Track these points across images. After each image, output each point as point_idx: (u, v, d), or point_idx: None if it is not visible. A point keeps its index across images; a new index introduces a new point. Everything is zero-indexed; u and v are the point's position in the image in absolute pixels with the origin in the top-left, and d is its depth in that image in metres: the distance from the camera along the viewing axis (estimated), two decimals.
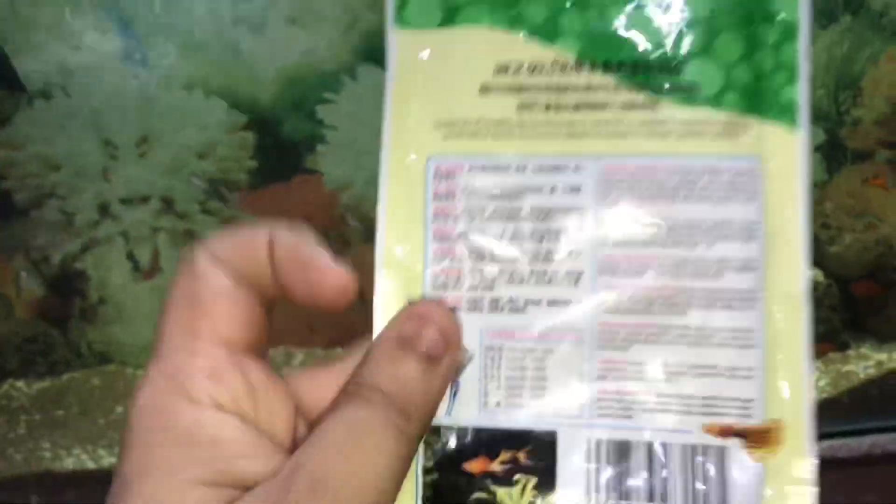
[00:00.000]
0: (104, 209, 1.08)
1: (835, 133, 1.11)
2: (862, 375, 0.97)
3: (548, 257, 0.30)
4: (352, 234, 1.13)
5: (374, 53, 1.06)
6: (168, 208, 1.08)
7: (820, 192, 1.12)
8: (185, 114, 1.06)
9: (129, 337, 1.10)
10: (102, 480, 0.96)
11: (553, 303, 0.30)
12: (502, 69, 0.30)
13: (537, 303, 0.30)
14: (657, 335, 0.29)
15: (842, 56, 1.09)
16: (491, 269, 0.31)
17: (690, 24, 0.29)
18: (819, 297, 1.02)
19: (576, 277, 0.30)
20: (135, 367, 1.10)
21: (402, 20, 0.31)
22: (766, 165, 0.29)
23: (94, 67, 1.02)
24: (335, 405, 0.28)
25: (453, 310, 0.30)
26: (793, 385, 0.29)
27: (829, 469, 0.97)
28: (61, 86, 1.03)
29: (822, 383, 0.98)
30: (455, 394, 0.30)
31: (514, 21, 0.30)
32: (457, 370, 0.30)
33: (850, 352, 1.03)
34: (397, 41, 0.31)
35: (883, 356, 1.01)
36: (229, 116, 1.07)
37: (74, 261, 1.08)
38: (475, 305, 0.31)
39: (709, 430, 0.29)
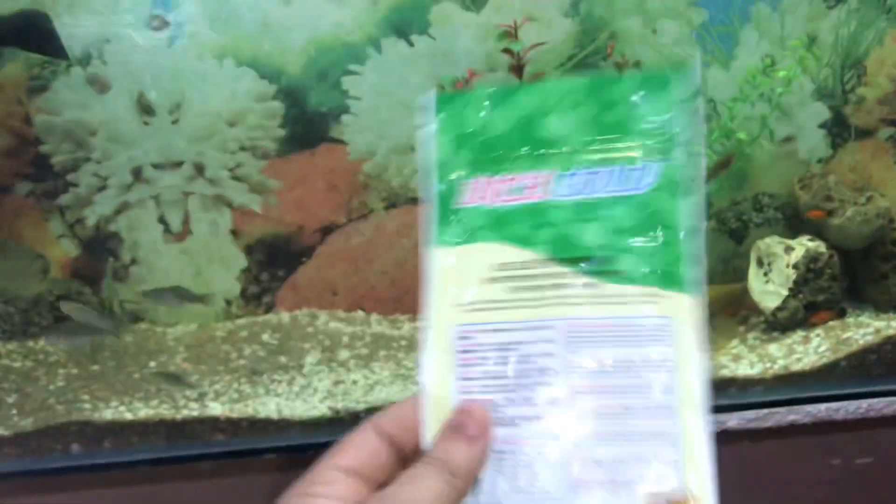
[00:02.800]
0: (137, 173, 1.12)
1: (839, 110, 1.15)
2: (861, 342, 1.01)
3: (533, 388, 0.44)
4: (373, 201, 1.18)
5: (398, 27, 1.09)
6: (199, 173, 1.13)
7: (824, 166, 1.16)
8: (216, 82, 1.10)
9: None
10: (139, 430, 1.00)
11: (538, 418, 0.43)
12: (502, 267, 0.46)
13: (528, 419, 0.44)
14: (611, 439, 0.42)
15: (848, 36, 1.13)
16: (497, 397, 0.44)
17: (619, 232, 0.44)
18: (821, 267, 1.06)
19: (553, 401, 0.43)
20: (164, 326, 1.15)
21: (440, 241, 0.47)
22: (675, 319, 0.43)
23: (130, 36, 1.06)
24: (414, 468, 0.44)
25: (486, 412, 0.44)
26: (700, 469, 0.42)
27: (828, 431, 1.01)
28: (98, 54, 1.06)
29: (822, 349, 1.03)
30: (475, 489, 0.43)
31: (508, 236, 0.46)
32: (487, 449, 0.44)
33: (850, 319, 1.08)
34: (438, 254, 0.47)
35: (881, 324, 1.05)
36: (258, 86, 1.11)
37: (108, 223, 1.13)
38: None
39: (648, 500, 0.42)
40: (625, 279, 0.44)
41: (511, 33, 0.98)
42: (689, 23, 1.12)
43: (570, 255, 0.45)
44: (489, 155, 0.47)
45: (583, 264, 0.45)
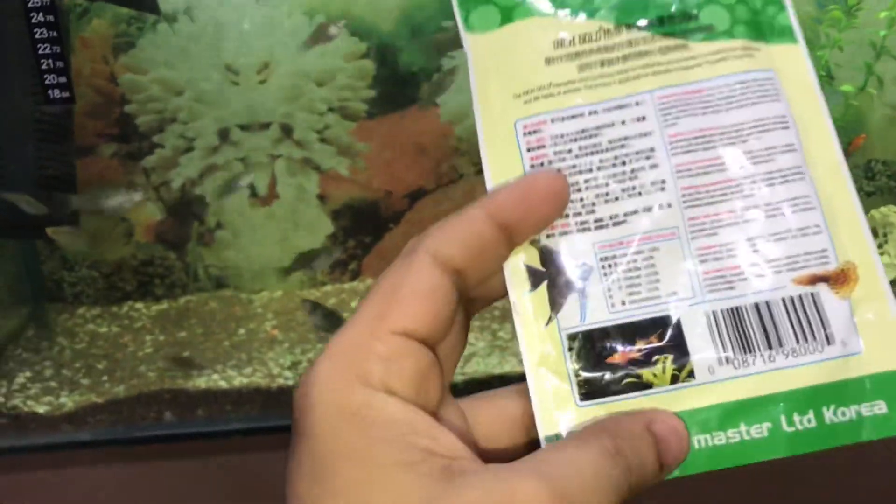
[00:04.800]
0: (224, 135, 1.08)
1: None
2: None
3: (633, 175, 0.36)
4: (464, 165, 1.13)
5: None
6: (286, 135, 1.09)
7: None
8: (306, 40, 1.06)
9: (245, 262, 1.12)
10: (233, 399, 0.97)
11: (647, 209, 0.35)
12: (559, 44, 0.37)
13: (635, 213, 0.36)
14: (735, 217, 0.35)
15: None
16: (588, 195, 0.36)
17: None
18: None
19: (660, 186, 0.36)
20: (249, 292, 1.12)
21: (469, 26, 0.38)
22: (781, 73, 0.37)
23: None
24: (587, 433, 0.32)
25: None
26: (853, 233, 0.35)
27: None
28: (186, 10, 1.03)
29: None
30: (585, 302, 0.35)
31: (560, 6, 0.38)
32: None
33: None
34: (470, 43, 0.38)
35: None
36: (349, 44, 1.07)
37: (194, 186, 1.10)
38: (584, 227, 0.36)
39: (798, 282, 0.35)
40: (713, 35, 0.38)
41: None
42: None
43: (643, 17, 0.38)
44: None
45: (659, 25, 0.38)
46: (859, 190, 1.20)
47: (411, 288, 0.32)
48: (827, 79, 1.05)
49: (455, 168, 1.12)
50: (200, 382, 0.94)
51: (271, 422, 0.92)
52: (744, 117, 0.36)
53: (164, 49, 1.04)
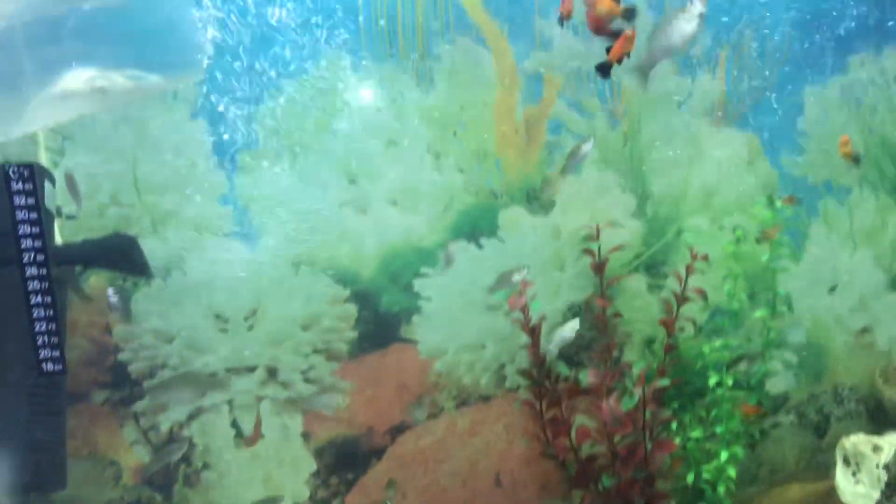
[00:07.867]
0: (212, 378, 1.12)
1: None
2: None
3: None
4: (444, 399, 1.17)
5: (467, 230, 1.12)
6: (272, 377, 1.13)
7: None
8: (291, 288, 1.12)
9: (229, 502, 1.13)
10: None
11: None
12: None
13: None
14: None
15: None
16: None
17: None
18: None
19: None
20: None
21: None
22: None
23: (209, 248, 1.09)
24: None
25: None
26: None
27: None
28: (178, 264, 1.10)
29: None
30: None
31: None
32: None
33: None
34: None
35: None
36: (333, 290, 1.13)
37: (182, 428, 1.13)
38: None
39: None
40: None
41: (593, 236, 1.12)
42: (756, 219, 1.13)
43: None
44: None
45: None
46: (829, 415, 1.22)
47: None
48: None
49: (435, 403, 1.16)
50: None
51: None
52: None
53: (157, 301, 1.10)
